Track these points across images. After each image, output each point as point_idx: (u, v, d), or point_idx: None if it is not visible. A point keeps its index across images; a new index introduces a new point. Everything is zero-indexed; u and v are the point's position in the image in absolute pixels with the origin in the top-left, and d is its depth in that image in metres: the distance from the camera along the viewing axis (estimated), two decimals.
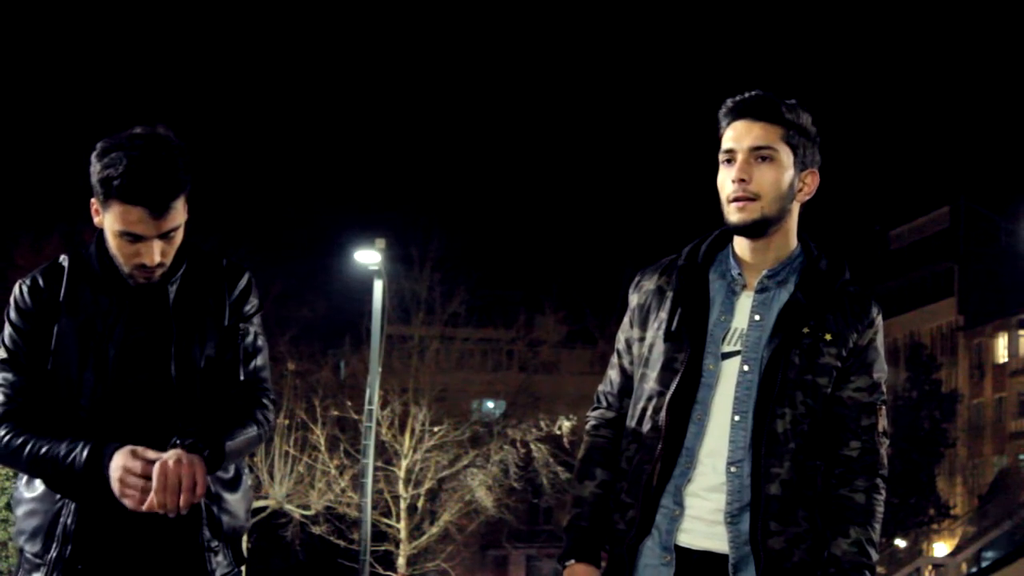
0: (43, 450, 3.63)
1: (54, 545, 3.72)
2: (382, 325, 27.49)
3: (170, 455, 3.51)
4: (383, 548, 36.59)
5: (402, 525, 36.77)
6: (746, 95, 3.75)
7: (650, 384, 3.78)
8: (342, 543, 35.98)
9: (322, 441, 35.89)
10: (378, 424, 31.41)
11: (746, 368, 3.71)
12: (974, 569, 53.28)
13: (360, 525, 28.60)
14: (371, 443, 27.54)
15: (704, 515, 3.70)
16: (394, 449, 36.82)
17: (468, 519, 38.48)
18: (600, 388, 3.99)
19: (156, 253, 3.70)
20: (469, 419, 39.85)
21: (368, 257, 28.14)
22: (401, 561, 36.76)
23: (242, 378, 3.82)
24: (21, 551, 3.81)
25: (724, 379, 3.72)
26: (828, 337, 3.71)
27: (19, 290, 3.78)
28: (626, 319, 3.92)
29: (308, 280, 47.05)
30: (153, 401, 3.71)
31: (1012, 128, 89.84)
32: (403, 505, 36.87)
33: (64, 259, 3.85)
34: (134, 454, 3.55)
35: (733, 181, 3.72)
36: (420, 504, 37.08)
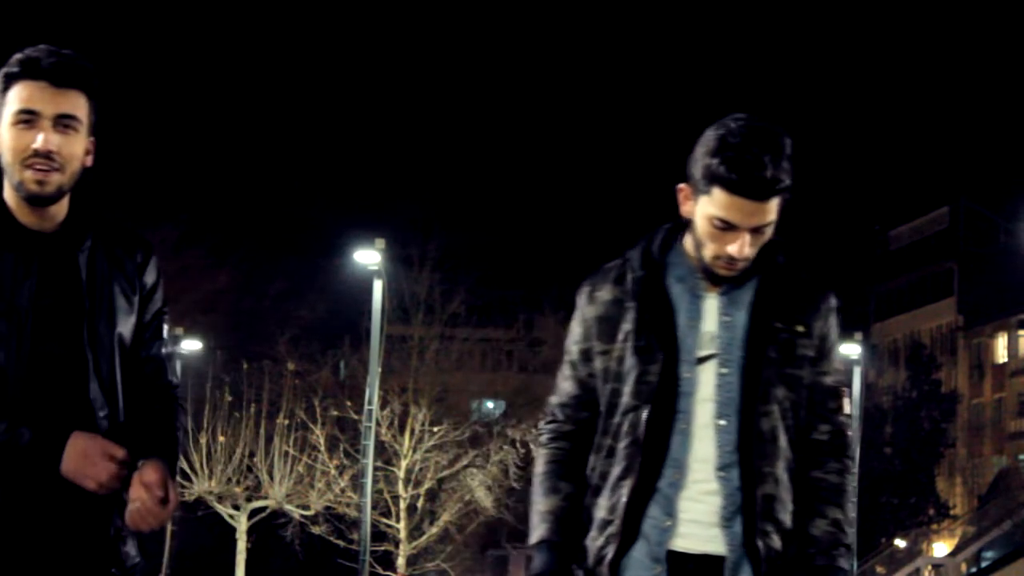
0: None
1: None
2: (382, 325, 27.49)
3: (150, 474, 3.41)
4: (383, 548, 36.56)
5: (402, 525, 36.76)
6: (749, 175, 3.54)
7: (625, 399, 3.70)
8: (342, 543, 35.94)
9: (322, 441, 35.87)
10: (378, 424, 31.39)
11: (724, 370, 3.67)
12: (974, 569, 53.24)
13: (360, 525, 28.63)
14: (371, 443, 27.55)
15: (701, 519, 3.67)
16: (394, 449, 36.79)
17: (468, 519, 38.46)
18: (553, 400, 3.87)
19: None
20: (469, 419, 39.85)
21: (368, 257, 28.14)
22: (401, 561, 36.75)
23: (150, 353, 3.63)
24: None
25: (702, 385, 3.67)
26: (800, 329, 3.70)
27: None
28: (578, 329, 3.80)
29: (308, 280, 47.00)
30: (67, 376, 3.51)
31: (1012, 128, 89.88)
32: (403, 505, 36.86)
33: None
34: (94, 439, 3.43)
35: (733, 254, 3.61)
36: (420, 504, 37.07)
